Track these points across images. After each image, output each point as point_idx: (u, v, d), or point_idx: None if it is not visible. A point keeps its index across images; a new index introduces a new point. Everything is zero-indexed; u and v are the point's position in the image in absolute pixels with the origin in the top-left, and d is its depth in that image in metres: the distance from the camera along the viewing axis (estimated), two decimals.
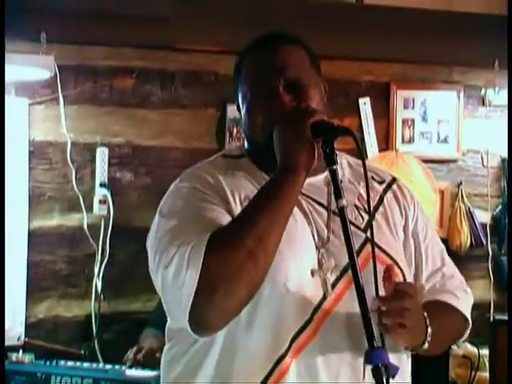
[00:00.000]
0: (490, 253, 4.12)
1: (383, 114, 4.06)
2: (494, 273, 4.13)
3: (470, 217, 4.10)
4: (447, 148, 4.14)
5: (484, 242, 4.11)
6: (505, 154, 4.07)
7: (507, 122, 3.91)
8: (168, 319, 1.77)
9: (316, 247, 1.69)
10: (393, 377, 1.51)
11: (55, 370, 3.15)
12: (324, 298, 1.65)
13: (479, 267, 4.12)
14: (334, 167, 1.61)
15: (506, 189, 4.13)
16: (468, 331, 1.90)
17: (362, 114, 4.00)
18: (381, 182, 1.87)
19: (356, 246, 1.61)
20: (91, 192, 3.62)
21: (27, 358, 3.23)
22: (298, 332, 1.63)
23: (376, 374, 1.50)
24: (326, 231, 1.71)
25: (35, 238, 3.55)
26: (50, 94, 3.58)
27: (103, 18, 3.46)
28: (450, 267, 1.93)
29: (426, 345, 1.68)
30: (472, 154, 4.20)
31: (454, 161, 4.16)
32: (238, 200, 1.70)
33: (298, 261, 1.65)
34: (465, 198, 4.12)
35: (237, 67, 1.84)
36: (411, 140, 4.09)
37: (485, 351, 3.55)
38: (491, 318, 3.87)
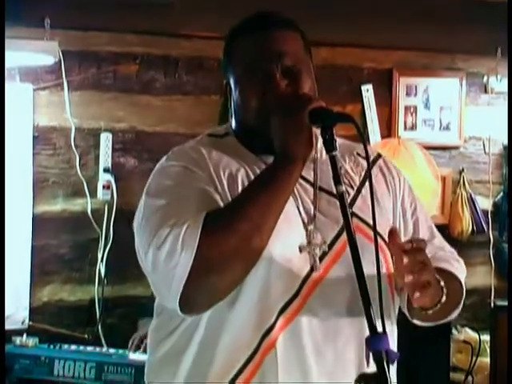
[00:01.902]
0: (492, 239, 4.14)
1: (385, 100, 4.06)
2: (495, 259, 4.14)
3: (472, 203, 4.11)
4: (449, 135, 4.15)
5: (485, 229, 4.12)
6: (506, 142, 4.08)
7: (507, 110, 3.92)
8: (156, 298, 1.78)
9: (303, 224, 1.69)
10: (392, 362, 1.52)
11: (59, 354, 3.18)
12: (311, 271, 1.66)
13: (480, 254, 4.14)
14: (334, 153, 1.60)
15: (507, 176, 4.14)
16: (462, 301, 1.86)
17: (364, 101, 4.01)
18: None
19: (340, 221, 1.62)
20: (95, 177, 3.63)
21: (31, 341, 3.26)
22: (286, 305, 1.64)
23: (378, 359, 1.49)
24: (312, 208, 1.71)
25: (39, 222, 3.56)
26: (54, 80, 3.59)
27: (107, 3, 3.45)
28: (440, 240, 1.93)
29: (442, 302, 1.65)
30: (474, 141, 4.22)
31: (456, 148, 4.18)
32: (221, 177, 1.69)
33: (286, 237, 1.65)
34: (466, 185, 4.13)
35: (228, 47, 1.83)
36: (413, 127, 4.10)
37: (486, 337, 3.57)
38: (492, 304, 3.90)
